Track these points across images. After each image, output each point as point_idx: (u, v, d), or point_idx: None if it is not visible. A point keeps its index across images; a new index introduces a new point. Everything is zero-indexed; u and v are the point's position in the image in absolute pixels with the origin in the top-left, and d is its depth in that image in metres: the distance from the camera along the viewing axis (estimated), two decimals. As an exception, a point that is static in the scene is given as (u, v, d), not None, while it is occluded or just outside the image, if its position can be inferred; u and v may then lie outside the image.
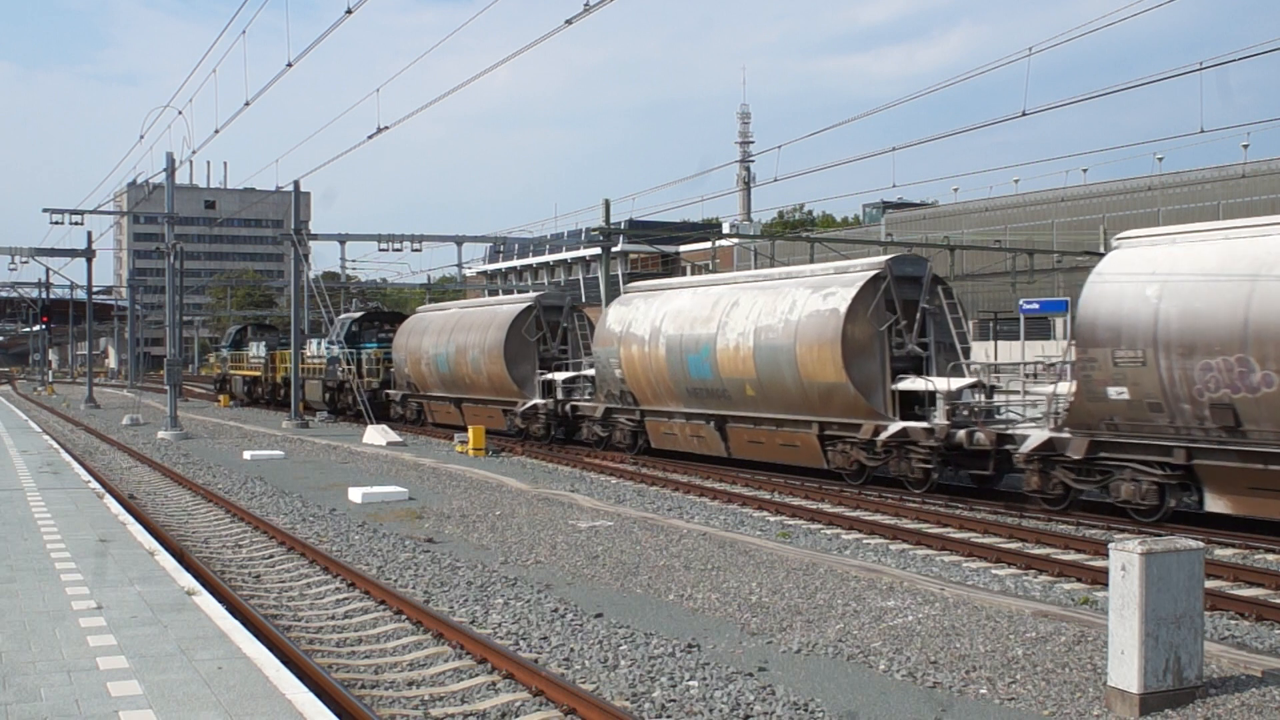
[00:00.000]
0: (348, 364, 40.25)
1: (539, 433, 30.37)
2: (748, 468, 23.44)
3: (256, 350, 52.32)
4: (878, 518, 17.76)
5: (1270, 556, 14.30)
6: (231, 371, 56.91)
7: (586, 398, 29.11)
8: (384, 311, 48.31)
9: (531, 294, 35.88)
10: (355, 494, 19.82)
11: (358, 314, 43.59)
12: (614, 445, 27.54)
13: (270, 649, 8.77)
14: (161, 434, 34.26)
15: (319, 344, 44.63)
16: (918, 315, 21.49)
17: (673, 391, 25.02)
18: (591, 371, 28.80)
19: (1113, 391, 15.94)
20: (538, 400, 30.58)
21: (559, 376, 30.16)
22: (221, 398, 56.72)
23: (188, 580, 11.19)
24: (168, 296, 38.46)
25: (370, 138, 26.51)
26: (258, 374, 51.61)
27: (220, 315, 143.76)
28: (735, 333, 22.91)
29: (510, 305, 33.58)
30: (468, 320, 34.56)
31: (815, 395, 21.16)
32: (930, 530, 16.43)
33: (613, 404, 27.36)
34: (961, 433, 18.74)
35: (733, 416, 23.54)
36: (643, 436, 26.57)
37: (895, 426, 19.89)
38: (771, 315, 22.18)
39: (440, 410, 36.71)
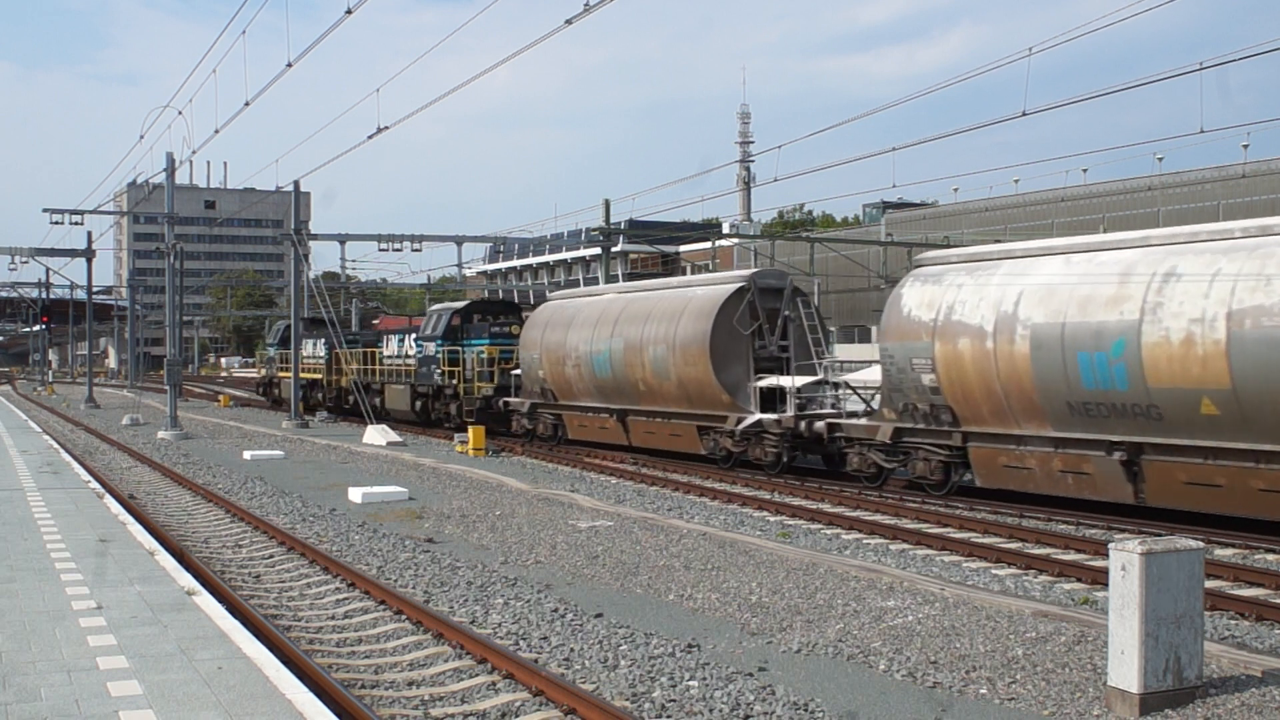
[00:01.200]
0: (449, 366, 34.03)
1: (765, 459, 22.84)
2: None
3: (313, 349, 46.06)
4: (878, 518, 17.76)
5: (1270, 556, 14.31)
6: (281, 374, 48.91)
7: (857, 412, 22.33)
8: (495, 301, 41.70)
9: (741, 271, 26.82)
10: (355, 494, 19.82)
11: (460, 304, 36.32)
12: (923, 483, 19.74)
13: (270, 649, 8.78)
14: (161, 434, 34.26)
15: (403, 341, 38.42)
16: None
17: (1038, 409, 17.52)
18: (851, 377, 24.17)
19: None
20: (762, 415, 22.96)
21: (793, 382, 22.79)
22: (222, 398, 56.59)
23: (188, 580, 11.19)
24: (168, 296, 38.46)
25: (370, 138, 26.51)
26: (316, 377, 45.44)
27: (220, 315, 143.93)
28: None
29: (714, 287, 25.25)
30: (644, 308, 26.47)
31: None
32: (930, 530, 16.44)
33: (910, 422, 19.77)
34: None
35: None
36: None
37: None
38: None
39: (590, 425, 28.19)
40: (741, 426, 22.97)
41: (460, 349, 34.03)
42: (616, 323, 26.88)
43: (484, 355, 33.36)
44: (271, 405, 50.40)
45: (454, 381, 33.87)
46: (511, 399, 31.47)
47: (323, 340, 44.64)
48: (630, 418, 26.74)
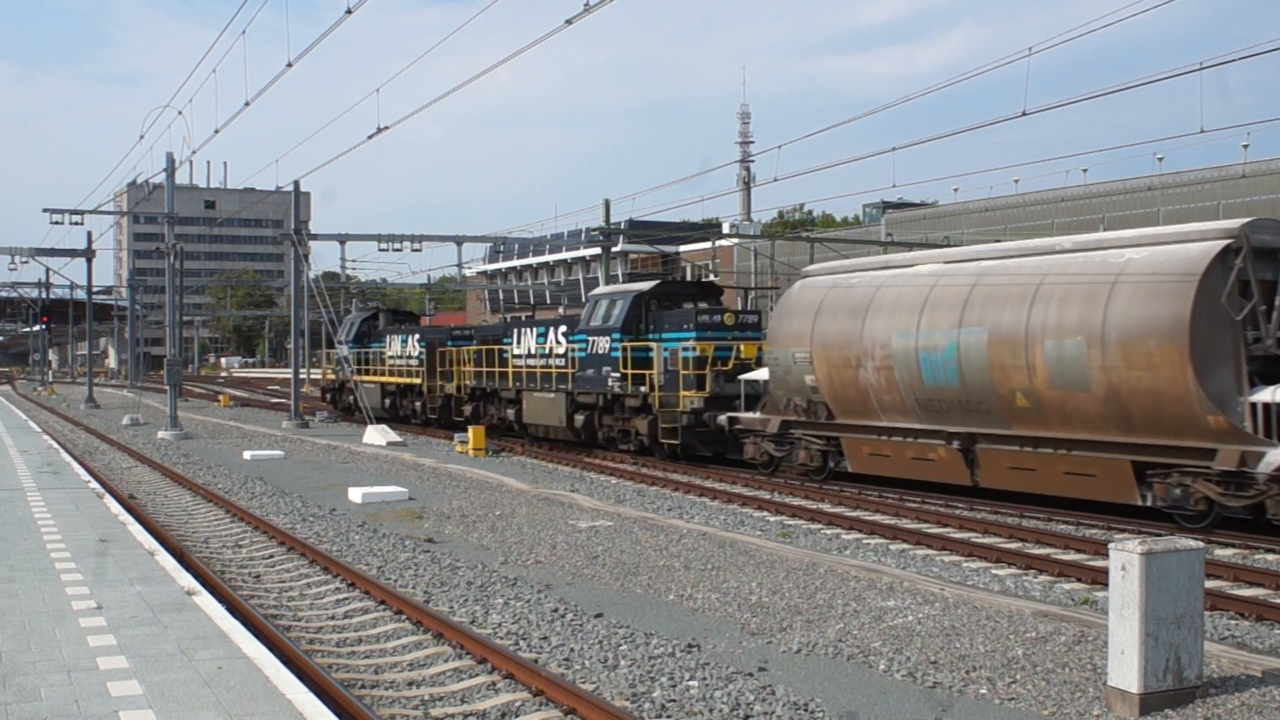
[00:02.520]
0: (634, 368, 25.32)
1: None
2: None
3: (403, 347, 38.06)
4: (878, 518, 17.76)
5: (1270, 556, 14.30)
6: (359, 378, 40.67)
7: None
8: (692, 282, 32.06)
9: (1220, 223, 16.32)
10: (355, 494, 19.82)
11: (643, 284, 27.01)
12: None
13: (270, 649, 8.77)
14: (161, 434, 34.26)
15: (546, 335, 29.28)
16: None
17: None
18: None
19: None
20: None
21: None
22: (222, 398, 56.36)
23: (188, 580, 11.19)
24: (168, 296, 38.46)
25: (370, 138, 26.51)
26: (411, 382, 37.12)
27: (220, 315, 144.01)
28: None
29: (1173, 247, 16.19)
30: (1020, 281, 17.77)
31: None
32: (930, 530, 16.43)
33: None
34: None
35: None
36: None
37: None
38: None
39: (899, 456, 19.89)
40: (1268, 469, 14.37)
41: (652, 345, 25.29)
42: (966, 306, 18.29)
43: (692, 354, 24.32)
44: (343, 415, 43.57)
45: (642, 389, 25.00)
46: (742, 415, 22.75)
47: (415, 336, 37.30)
48: (984, 446, 18.16)
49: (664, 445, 24.45)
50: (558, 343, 28.66)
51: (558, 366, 28.40)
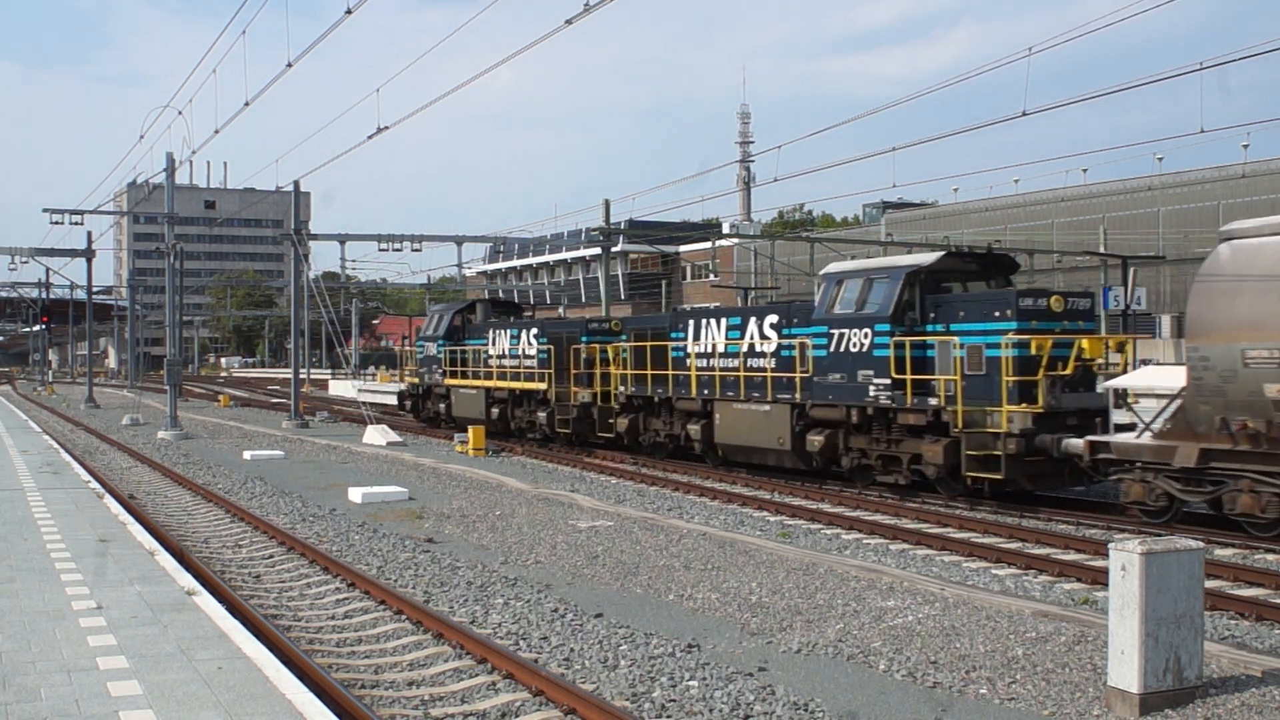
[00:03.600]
0: (912, 371, 18.80)
1: None
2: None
3: (514, 344, 30.93)
4: (878, 518, 17.76)
5: (1270, 556, 14.30)
6: (452, 381, 33.86)
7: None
8: (972, 253, 21.86)
9: None
10: (355, 494, 19.82)
11: (923, 257, 20.45)
12: None
13: (270, 649, 8.77)
14: (161, 434, 34.26)
15: (744, 326, 22.99)
16: None
17: None
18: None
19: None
20: None
21: None
22: (222, 398, 56.32)
23: (188, 580, 11.19)
24: (168, 296, 38.46)
25: (370, 138, 26.51)
26: (530, 388, 29.77)
27: (220, 315, 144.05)
28: None
29: None
30: None
31: None
32: (930, 530, 16.43)
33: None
34: None
35: None
36: None
37: None
38: None
39: None
40: None
41: (939, 338, 19.00)
42: None
43: (1018, 352, 17.65)
44: (425, 426, 36.17)
45: (932, 401, 18.49)
46: (1120, 439, 16.36)
47: (532, 330, 30.48)
48: None
49: (967, 480, 18.07)
50: (763, 337, 22.29)
51: (772, 369, 21.94)
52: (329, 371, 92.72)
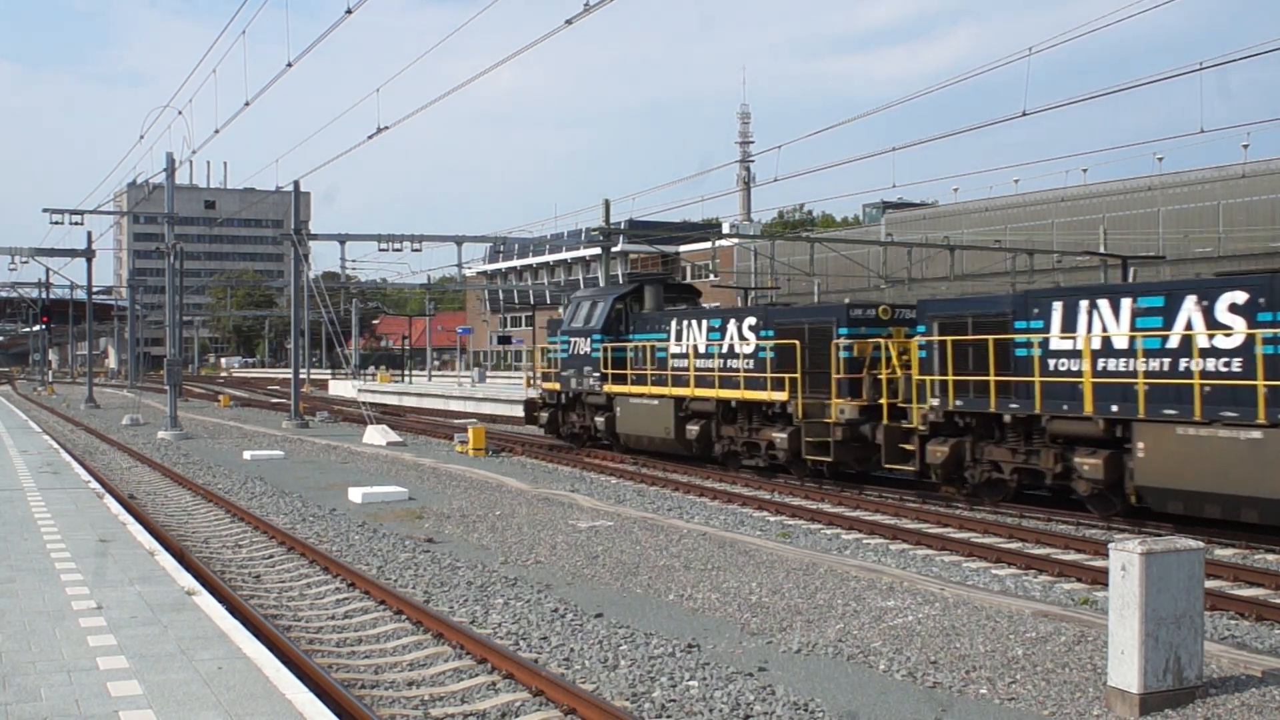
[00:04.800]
0: None
1: None
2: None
3: (716, 339, 23.55)
4: (878, 518, 17.75)
5: (1270, 556, 14.30)
6: (618, 389, 26.12)
7: None
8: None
9: None
10: (355, 494, 19.83)
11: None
12: None
13: (270, 649, 8.77)
14: (161, 434, 34.26)
15: (1158, 310, 15.52)
16: None
17: None
18: None
19: None
20: None
21: None
22: (222, 398, 56.32)
23: (188, 580, 11.19)
24: (168, 296, 38.47)
25: (370, 138, 26.55)
26: (748, 398, 22.24)
27: (220, 315, 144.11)
28: None
29: None
30: None
31: None
32: (930, 530, 16.43)
33: None
34: None
35: None
36: None
37: None
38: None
39: None
40: None
41: None
42: None
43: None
44: (570, 446, 28.47)
45: None
46: None
47: (746, 320, 22.96)
48: None
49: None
50: (1215, 324, 14.83)
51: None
52: (329, 371, 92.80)
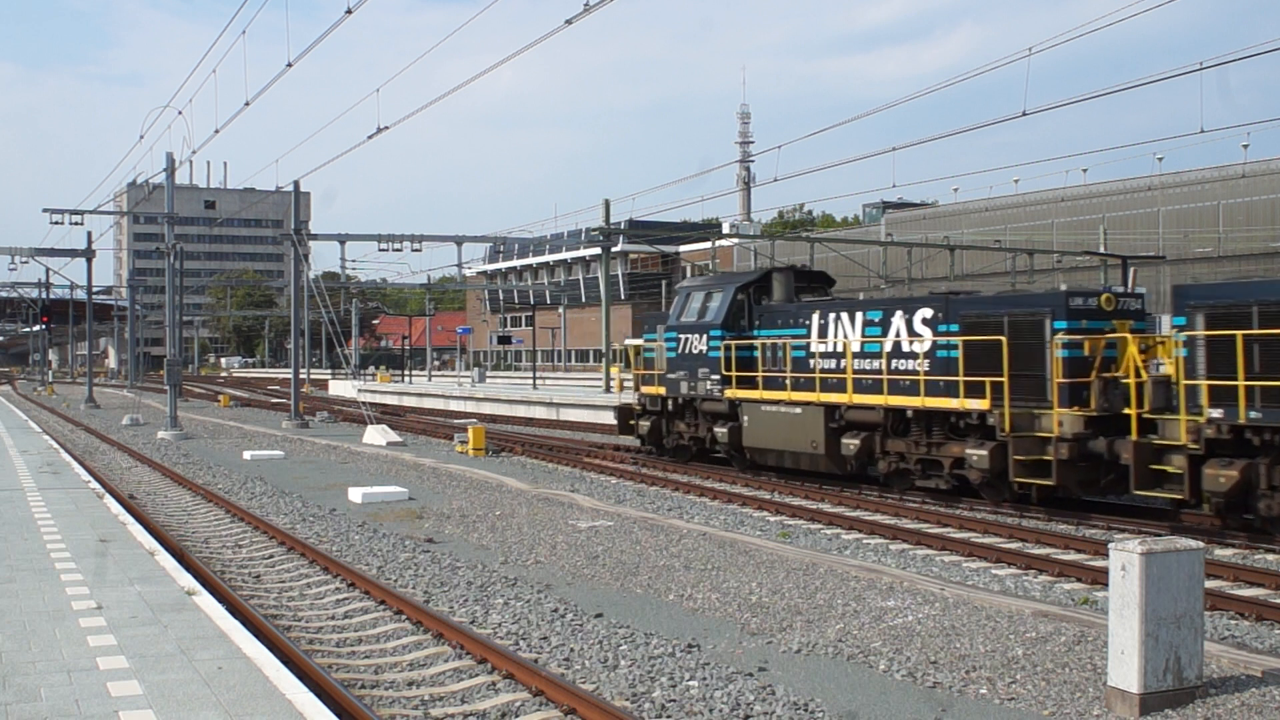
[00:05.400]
0: None
1: None
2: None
3: (880, 334, 19.76)
4: (878, 518, 17.75)
5: (1270, 556, 14.30)
6: (745, 394, 22.15)
7: None
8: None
9: None
10: (355, 494, 19.83)
11: None
12: None
13: (270, 649, 8.77)
14: (161, 434, 34.26)
15: None
16: None
17: None
18: None
19: None
20: None
21: None
22: (222, 398, 56.29)
23: (188, 580, 11.19)
24: (168, 296, 38.47)
25: (370, 138, 26.56)
26: (929, 406, 18.61)
27: (220, 315, 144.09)
28: None
29: None
30: None
31: None
32: (930, 530, 16.43)
33: None
34: None
35: None
36: None
37: None
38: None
39: None
40: None
41: None
42: None
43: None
44: (674, 461, 24.56)
45: None
46: None
47: (921, 312, 19.13)
48: None
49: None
50: None
51: None
52: (329, 371, 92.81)
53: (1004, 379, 17.13)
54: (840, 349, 20.43)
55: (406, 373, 77.22)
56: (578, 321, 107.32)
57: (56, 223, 42.54)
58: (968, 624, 10.37)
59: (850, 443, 19.85)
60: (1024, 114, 22.97)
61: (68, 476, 20.97)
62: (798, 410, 20.98)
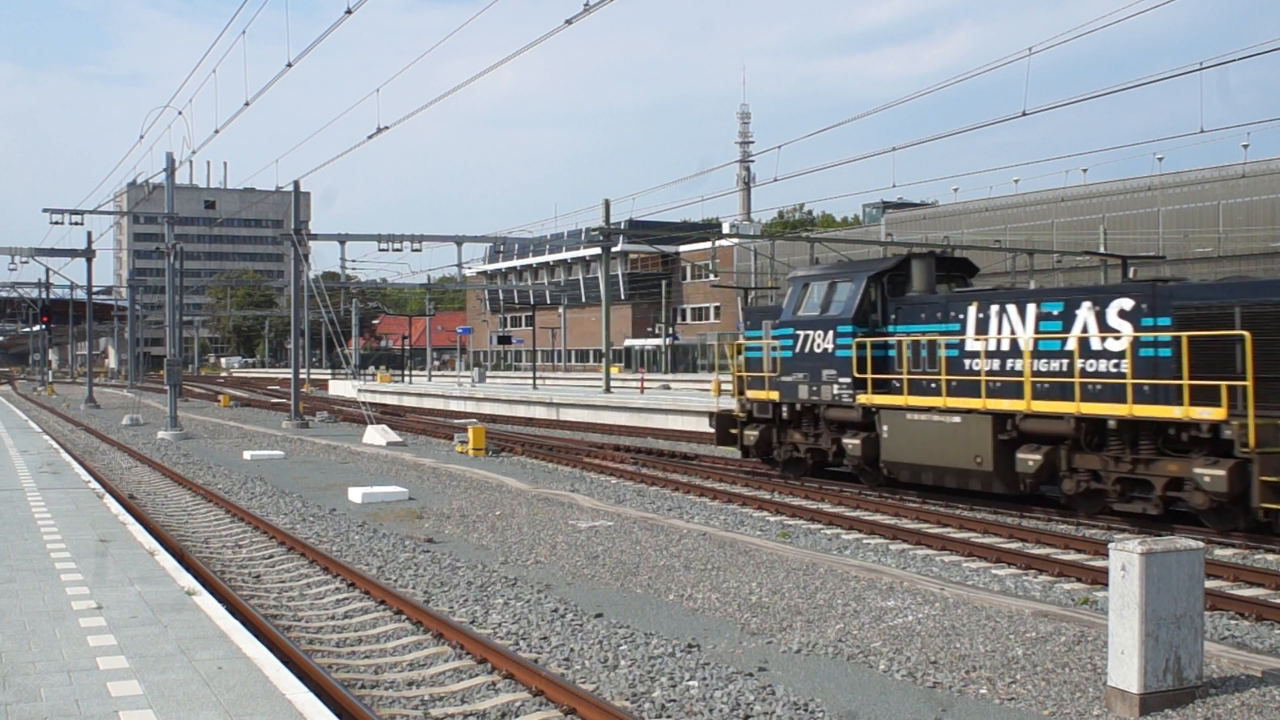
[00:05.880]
0: None
1: None
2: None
3: (1063, 329, 16.78)
4: (878, 518, 17.75)
5: (1270, 556, 14.30)
6: (883, 400, 19.22)
7: None
8: None
9: None
10: (355, 494, 19.83)
11: None
12: None
13: (270, 649, 8.77)
14: (161, 434, 34.26)
15: None
16: None
17: None
18: None
19: None
20: None
21: None
22: (222, 398, 56.31)
23: (188, 580, 11.19)
24: (168, 296, 38.47)
25: (370, 138, 26.57)
26: (1137, 414, 15.50)
27: (220, 315, 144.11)
28: None
29: None
30: None
31: None
32: (930, 530, 16.43)
33: None
34: None
35: None
36: None
37: None
38: None
39: None
40: None
41: None
42: None
43: None
44: (787, 474, 21.73)
45: None
46: None
47: (1119, 302, 16.36)
48: None
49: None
50: None
51: None
52: (329, 371, 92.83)
53: (1248, 383, 14.27)
54: (1008, 347, 17.60)
55: (406, 373, 77.27)
56: (578, 321, 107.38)
57: (56, 223, 42.56)
58: (968, 624, 10.37)
59: (1029, 458, 16.79)
60: (1024, 114, 22.99)
61: (68, 476, 20.97)
62: (956, 420, 17.88)
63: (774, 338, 21.74)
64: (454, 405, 51.29)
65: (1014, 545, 15.27)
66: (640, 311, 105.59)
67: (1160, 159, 68.20)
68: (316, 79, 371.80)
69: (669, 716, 8.06)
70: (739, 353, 23.57)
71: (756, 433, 22.32)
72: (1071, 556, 14.38)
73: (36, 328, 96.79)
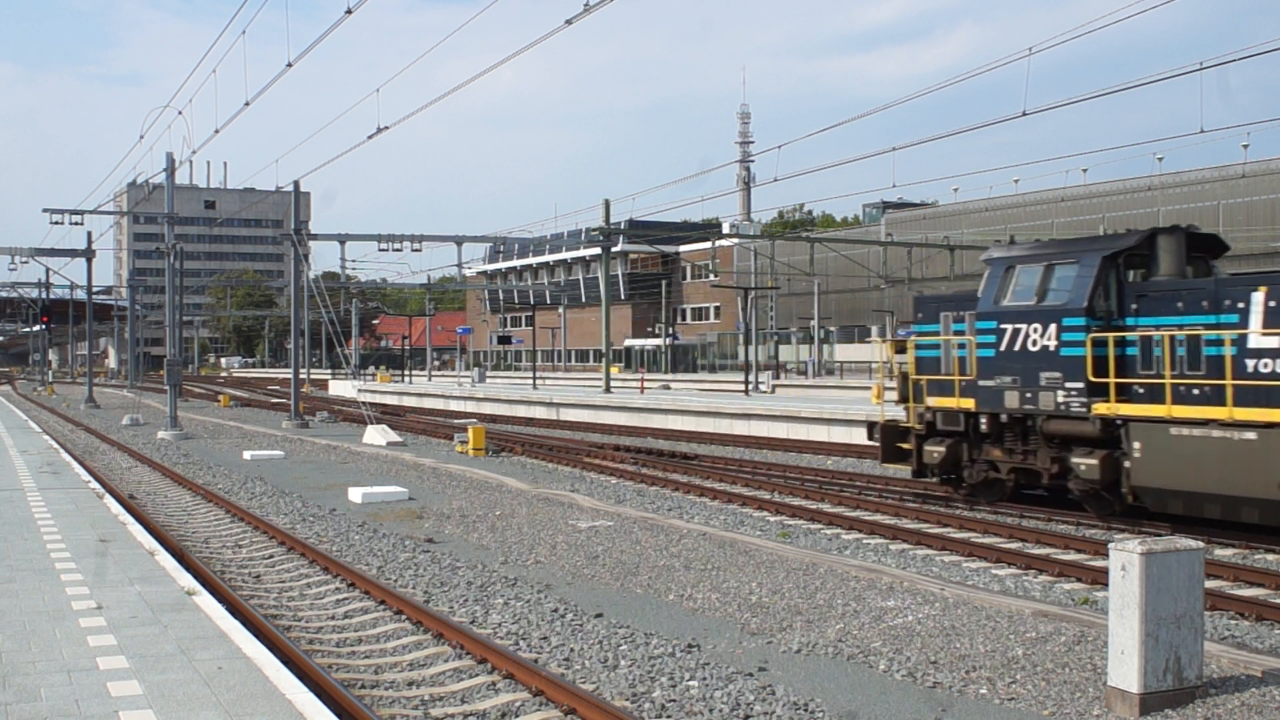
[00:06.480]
0: None
1: None
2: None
3: None
4: (878, 518, 17.75)
5: (1270, 556, 14.30)
6: (1136, 410, 15.34)
7: None
8: None
9: None
10: (355, 494, 19.83)
11: None
12: None
13: (270, 649, 8.77)
14: (161, 434, 34.26)
15: None
16: None
17: None
18: None
19: None
20: None
21: None
22: (222, 398, 56.34)
23: (188, 580, 11.19)
24: (168, 296, 38.47)
25: (370, 138, 26.57)
26: None
27: (220, 315, 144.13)
28: None
29: None
30: None
31: None
32: (930, 530, 16.42)
33: None
34: None
35: None
36: None
37: None
38: None
39: None
40: None
41: None
42: None
43: None
44: (970, 500, 18.33)
45: None
46: None
47: None
48: None
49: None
50: None
51: None
52: (329, 371, 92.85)
53: None
54: None
55: (406, 373, 77.28)
56: (578, 321, 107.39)
57: (56, 223, 42.57)
58: (968, 624, 10.37)
59: None
60: (1024, 114, 22.99)
61: (68, 476, 20.97)
62: (1250, 436, 14.12)
63: (953, 334, 18.37)
64: (454, 405, 51.29)
65: (1014, 545, 15.26)
66: (640, 311, 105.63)
67: (1160, 159, 68.22)
68: (316, 79, 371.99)
69: (669, 716, 8.06)
70: (899, 351, 20.31)
71: (942, 448, 18.31)
72: (1071, 556, 14.38)
73: (36, 328, 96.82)
